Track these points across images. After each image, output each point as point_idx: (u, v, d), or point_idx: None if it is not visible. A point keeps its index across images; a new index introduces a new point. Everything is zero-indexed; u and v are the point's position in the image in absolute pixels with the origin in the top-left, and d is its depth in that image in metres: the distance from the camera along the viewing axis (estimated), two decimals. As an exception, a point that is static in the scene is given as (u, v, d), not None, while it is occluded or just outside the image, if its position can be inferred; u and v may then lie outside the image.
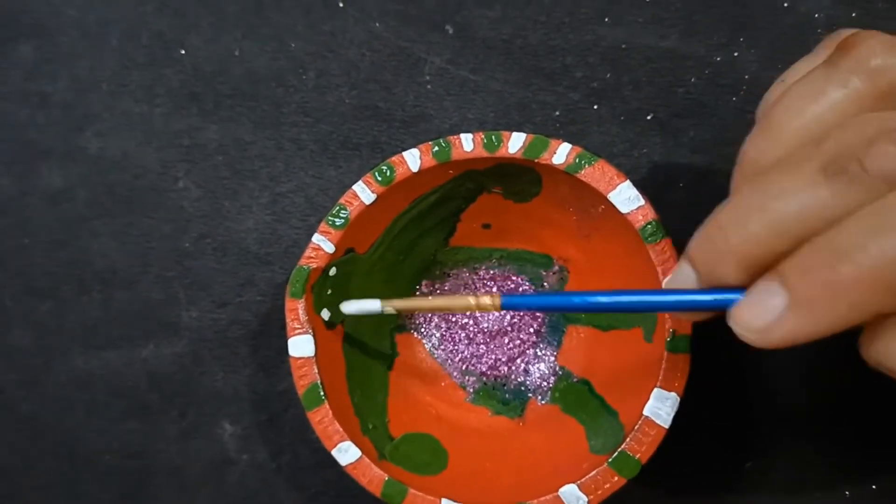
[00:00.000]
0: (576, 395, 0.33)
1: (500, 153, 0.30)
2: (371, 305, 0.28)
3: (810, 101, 0.23)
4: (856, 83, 0.23)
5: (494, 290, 0.34)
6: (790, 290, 0.21)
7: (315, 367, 0.30)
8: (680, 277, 0.23)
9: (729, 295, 0.22)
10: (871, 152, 0.20)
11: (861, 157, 0.20)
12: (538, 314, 0.34)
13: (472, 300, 0.26)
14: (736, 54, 0.35)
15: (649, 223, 0.29)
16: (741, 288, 0.22)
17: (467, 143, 0.30)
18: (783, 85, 0.25)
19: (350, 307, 0.29)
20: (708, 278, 0.23)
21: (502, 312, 0.34)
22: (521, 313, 0.34)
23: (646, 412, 0.28)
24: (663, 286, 0.24)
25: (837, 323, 0.20)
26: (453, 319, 0.34)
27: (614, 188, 0.29)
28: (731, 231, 0.22)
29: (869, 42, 0.23)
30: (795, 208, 0.21)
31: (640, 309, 0.24)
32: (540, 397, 0.34)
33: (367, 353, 0.33)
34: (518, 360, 0.34)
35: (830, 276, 0.20)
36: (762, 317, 0.21)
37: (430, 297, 0.30)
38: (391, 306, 0.28)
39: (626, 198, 0.29)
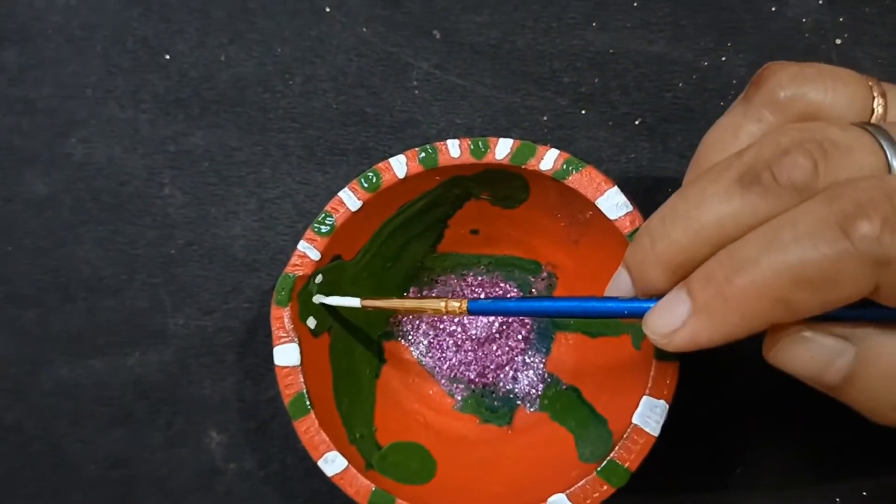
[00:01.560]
0: (565, 402, 0.33)
1: (488, 159, 0.30)
2: (351, 302, 0.30)
3: (731, 136, 0.25)
4: (768, 117, 0.24)
5: (482, 296, 0.34)
6: (693, 299, 0.22)
7: (301, 376, 0.29)
8: (618, 283, 0.25)
9: (646, 304, 0.24)
10: (783, 162, 0.21)
11: (773, 168, 0.21)
12: (526, 320, 0.34)
13: (441, 303, 0.28)
14: (724, 59, 0.35)
15: (637, 229, 0.29)
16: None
17: (454, 149, 0.30)
18: None
19: (331, 300, 0.31)
20: (639, 283, 0.24)
21: (490, 319, 0.34)
22: (510, 320, 0.34)
23: (635, 420, 0.28)
24: (605, 292, 0.26)
25: (733, 332, 0.22)
26: (441, 326, 0.34)
27: (602, 194, 0.29)
28: (657, 237, 0.23)
29: (777, 75, 0.24)
30: (713, 216, 0.22)
31: (579, 315, 0.26)
32: (529, 405, 0.33)
33: (354, 361, 0.33)
34: (506, 368, 0.34)
35: (726, 287, 0.21)
36: (668, 322, 0.22)
37: (405, 300, 0.32)
38: (369, 304, 0.30)
39: (613, 204, 0.29)
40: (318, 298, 0.31)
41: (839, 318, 0.22)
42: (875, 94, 0.24)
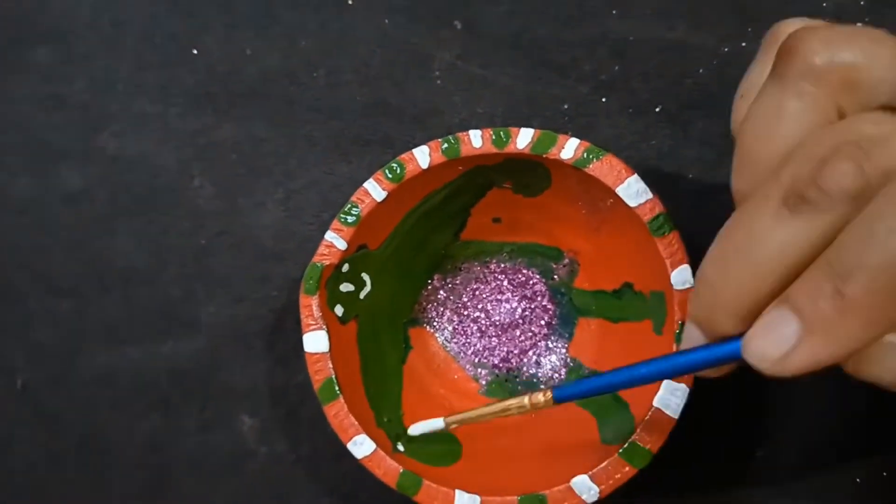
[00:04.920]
0: (587, 386, 0.33)
1: (509, 149, 0.30)
2: (436, 424, 0.30)
3: (774, 120, 0.22)
4: (808, 88, 0.22)
5: (505, 282, 0.35)
6: (803, 318, 0.20)
7: (329, 363, 0.30)
8: (690, 338, 0.24)
9: (734, 345, 0.22)
10: (826, 173, 0.20)
11: (817, 181, 0.20)
12: (549, 305, 0.34)
13: (526, 399, 0.27)
14: (743, 45, 0.35)
15: (657, 217, 0.29)
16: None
17: (476, 139, 0.30)
18: (744, 100, 0.24)
19: (417, 429, 0.31)
20: (711, 334, 0.23)
21: (513, 304, 0.34)
22: (533, 306, 0.35)
23: (656, 403, 0.29)
24: (679, 347, 0.25)
25: (856, 343, 0.20)
26: (465, 313, 0.35)
27: (622, 182, 0.30)
28: (718, 286, 0.22)
29: (808, 42, 0.22)
30: (772, 250, 0.21)
31: (665, 376, 0.25)
32: (552, 389, 0.34)
33: (382, 347, 0.33)
34: (530, 353, 0.34)
35: (839, 299, 0.20)
36: (778, 346, 0.21)
37: (487, 406, 0.29)
38: (454, 421, 0.30)
39: (634, 191, 0.29)
40: (411, 430, 0.31)
41: None
42: None
